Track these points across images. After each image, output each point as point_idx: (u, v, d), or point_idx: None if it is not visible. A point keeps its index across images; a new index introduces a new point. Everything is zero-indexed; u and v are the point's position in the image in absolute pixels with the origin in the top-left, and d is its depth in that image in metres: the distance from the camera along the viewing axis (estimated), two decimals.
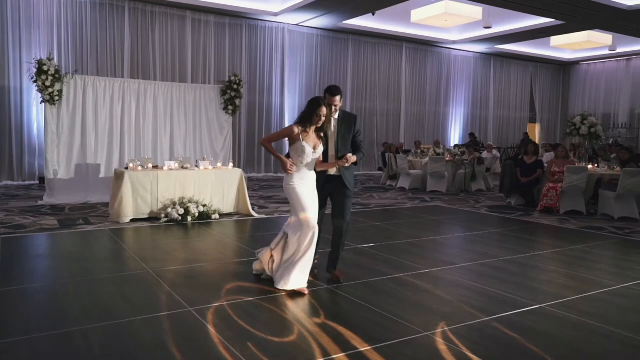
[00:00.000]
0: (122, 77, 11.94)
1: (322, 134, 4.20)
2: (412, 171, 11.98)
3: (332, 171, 4.39)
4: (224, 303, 3.82)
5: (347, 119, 4.43)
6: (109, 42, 12.14)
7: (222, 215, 7.62)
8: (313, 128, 4.13)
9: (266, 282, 4.33)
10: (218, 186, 7.79)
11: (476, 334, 3.35)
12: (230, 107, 9.98)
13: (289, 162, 4.17)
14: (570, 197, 8.69)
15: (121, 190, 7.04)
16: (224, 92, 9.90)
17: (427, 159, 12.23)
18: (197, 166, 7.91)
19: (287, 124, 15.02)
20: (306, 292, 4.07)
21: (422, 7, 13.49)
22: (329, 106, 4.18)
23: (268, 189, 11.45)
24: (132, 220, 7.05)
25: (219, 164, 8.10)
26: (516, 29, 15.14)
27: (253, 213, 7.90)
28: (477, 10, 13.29)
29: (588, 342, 3.31)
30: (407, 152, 13.71)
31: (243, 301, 3.88)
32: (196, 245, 6.06)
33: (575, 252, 5.89)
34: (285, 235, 4.28)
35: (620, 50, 17.48)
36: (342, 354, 3.00)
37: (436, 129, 17.82)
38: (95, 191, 8.88)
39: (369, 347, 3.09)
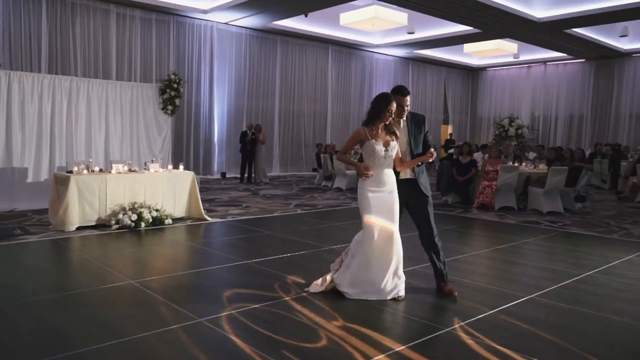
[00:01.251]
0: (39, 71, 10.96)
1: (393, 132, 3.96)
2: (348, 171, 12.21)
3: (406, 174, 4.12)
4: (233, 312, 3.68)
5: (417, 119, 4.23)
6: (24, 33, 11.07)
7: (174, 220, 7.29)
8: (382, 126, 3.94)
9: (263, 288, 4.24)
10: (169, 190, 7.43)
11: (491, 326, 3.52)
12: (169, 107, 9.57)
13: (362, 166, 3.95)
14: (504, 194, 9.36)
15: (66, 196, 6.49)
16: (162, 92, 9.48)
17: None
18: (146, 169, 7.49)
19: (216, 125, 14.67)
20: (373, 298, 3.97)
21: (351, 11, 13.81)
22: (400, 107, 4.01)
23: (204, 191, 11.10)
24: (79, 228, 6.53)
25: (170, 167, 7.74)
26: (436, 35, 15.96)
27: (206, 217, 7.64)
28: (403, 16, 13.84)
29: (591, 327, 3.61)
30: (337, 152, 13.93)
31: (252, 308, 3.76)
32: (164, 252, 5.75)
33: (529, 245, 6.37)
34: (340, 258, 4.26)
35: (522, 58, 19.04)
36: (382, 355, 3.02)
37: None
38: (23, 197, 8.11)
39: (403, 347, 3.15)
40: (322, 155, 12.94)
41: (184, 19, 13.63)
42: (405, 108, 4.07)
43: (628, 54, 17.52)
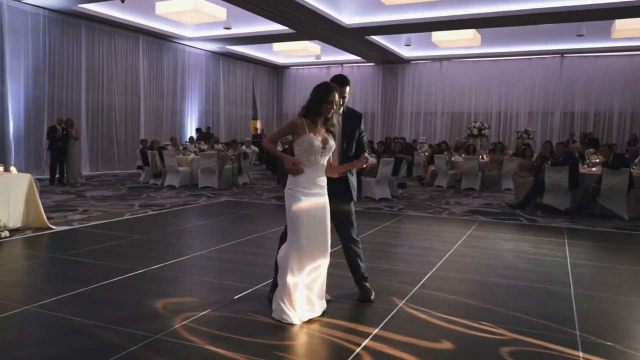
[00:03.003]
0: None
1: (331, 128, 3.49)
2: (180, 168, 11.75)
3: (334, 175, 3.66)
4: (186, 322, 3.44)
5: (354, 116, 3.89)
6: None
7: (11, 232, 6.19)
8: (321, 121, 3.45)
9: (184, 294, 4.03)
10: (2, 196, 6.27)
11: (424, 300, 4.00)
12: None
13: (291, 160, 3.40)
14: None
15: None
16: None
17: (192, 155, 12.22)
18: None
19: (11, 119, 12.57)
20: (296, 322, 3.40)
21: (169, 0, 13.23)
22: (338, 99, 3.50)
23: None
24: None
25: (0, 169, 6.50)
26: (251, 32, 16.26)
27: (50, 225, 6.64)
28: (222, 11, 13.82)
29: (490, 289, 4.36)
30: (162, 148, 13.26)
31: (204, 315, 3.56)
32: (35, 270, 4.90)
33: (392, 228, 7.17)
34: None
35: (323, 59, 20.62)
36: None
37: (174, 125, 17.62)
38: None
39: (375, 329, 3.40)
40: (149, 152, 12.17)
41: None
42: (343, 100, 3.72)
43: (408, 61, 20.41)
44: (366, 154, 3.73)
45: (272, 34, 16.12)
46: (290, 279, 3.40)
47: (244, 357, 2.92)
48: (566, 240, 6.44)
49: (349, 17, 14.69)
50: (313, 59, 20.75)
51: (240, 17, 14.38)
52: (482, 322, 3.51)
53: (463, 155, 12.97)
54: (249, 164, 13.01)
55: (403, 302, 3.94)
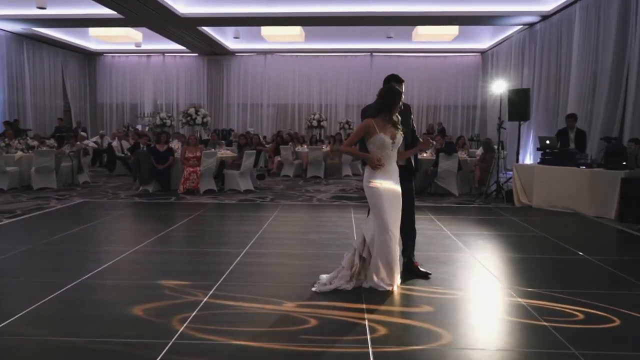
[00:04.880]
0: None
1: (398, 124, 4.00)
2: (8, 168, 10.22)
3: (402, 160, 4.24)
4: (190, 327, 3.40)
5: (406, 108, 4.35)
6: None
7: None
8: (387, 118, 3.97)
9: (163, 298, 3.92)
10: None
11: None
12: None
13: (374, 157, 3.93)
14: (207, 178, 10.12)
15: None
16: None
17: (19, 153, 10.76)
18: None
19: None
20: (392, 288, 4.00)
21: None
22: None
23: None
24: None
25: None
26: (68, 14, 14.63)
27: None
28: None
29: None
30: None
31: (205, 314, 3.54)
32: None
33: (290, 216, 7.51)
34: (354, 250, 4.08)
35: (144, 47, 19.54)
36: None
37: None
38: None
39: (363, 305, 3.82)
40: None
41: None
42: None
43: (233, 53, 20.59)
44: (429, 138, 4.53)
45: (95, 18, 14.78)
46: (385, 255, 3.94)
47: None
48: (432, 216, 7.64)
49: (184, 7, 14.31)
50: (132, 47, 19.51)
51: None
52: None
53: (307, 147, 13.84)
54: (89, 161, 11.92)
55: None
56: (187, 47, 19.54)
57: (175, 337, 3.17)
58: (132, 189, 10.44)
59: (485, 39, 18.39)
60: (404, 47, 19.49)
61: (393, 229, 3.96)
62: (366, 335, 3.22)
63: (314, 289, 4.04)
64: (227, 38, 18.63)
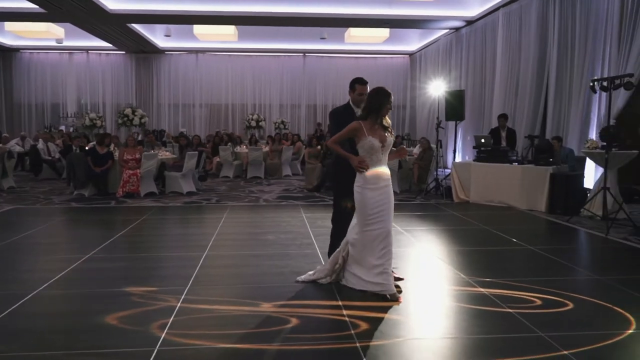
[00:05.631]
0: None
1: (388, 126, 3.97)
2: None
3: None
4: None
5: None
6: None
7: None
8: (378, 122, 3.92)
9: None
10: None
11: None
12: None
13: (357, 159, 3.85)
14: (147, 181, 9.79)
15: None
16: None
17: None
18: None
19: None
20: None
21: None
22: (361, 96, 4.19)
23: None
24: None
25: None
26: None
27: None
28: None
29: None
30: None
31: (184, 319, 3.48)
32: None
33: (235, 218, 7.45)
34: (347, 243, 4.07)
35: (66, 44, 18.50)
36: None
37: None
38: None
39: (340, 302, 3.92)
40: None
41: None
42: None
43: (163, 51, 19.97)
44: (403, 146, 4.57)
45: (13, 12, 13.82)
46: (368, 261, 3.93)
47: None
48: None
49: (113, 2, 13.72)
50: (53, 43, 18.41)
51: None
52: None
53: (246, 147, 13.74)
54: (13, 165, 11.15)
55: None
56: (114, 45, 18.72)
57: (159, 344, 3.11)
58: (65, 193, 9.89)
59: (413, 42, 19.10)
60: (337, 48, 19.78)
61: (376, 235, 3.89)
62: (350, 330, 3.33)
63: (299, 278, 4.29)
64: (156, 36, 18.07)
